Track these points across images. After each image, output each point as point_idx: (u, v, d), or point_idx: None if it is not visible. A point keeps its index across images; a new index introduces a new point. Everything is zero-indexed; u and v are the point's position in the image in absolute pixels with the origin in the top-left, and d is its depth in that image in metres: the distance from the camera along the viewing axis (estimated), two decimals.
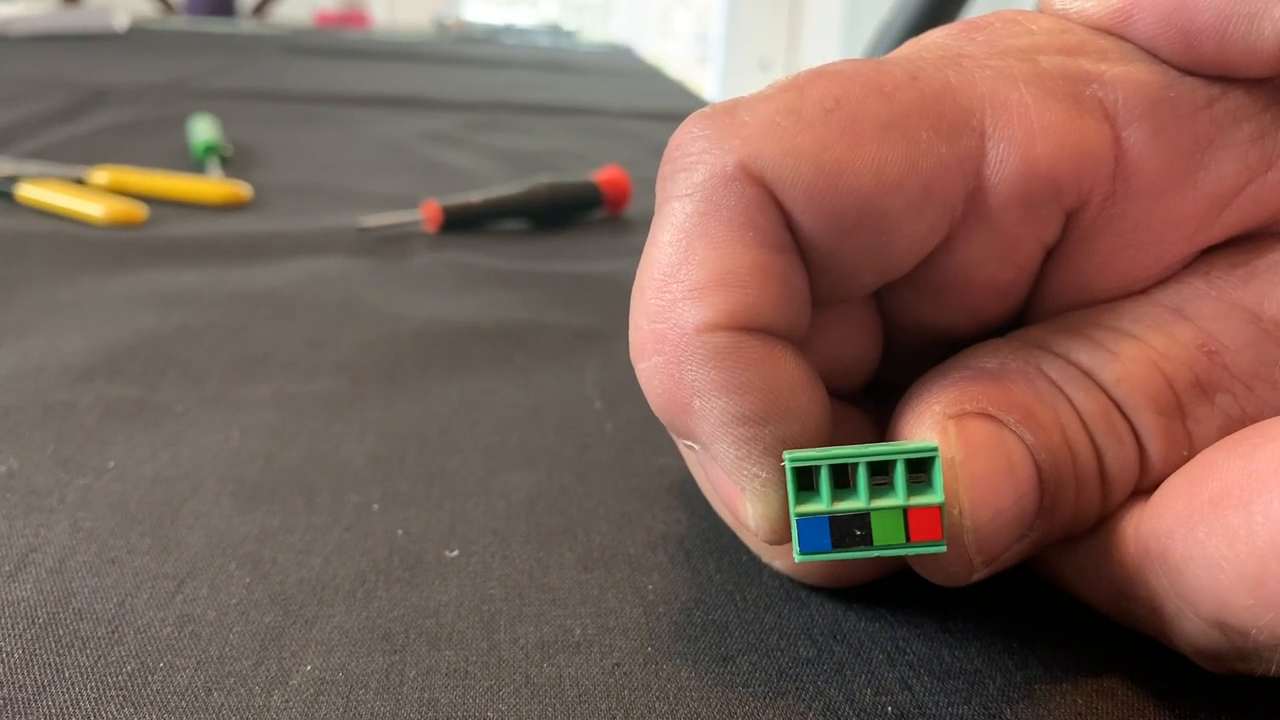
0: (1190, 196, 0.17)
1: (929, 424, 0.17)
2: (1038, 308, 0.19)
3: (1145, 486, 0.17)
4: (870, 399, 0.21)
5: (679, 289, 0.17)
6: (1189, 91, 0.17)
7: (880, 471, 0.16)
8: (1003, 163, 0.16)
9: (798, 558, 0.16)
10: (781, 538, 0.17)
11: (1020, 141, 0.16)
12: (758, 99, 0.17)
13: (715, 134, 0.17)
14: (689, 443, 0.17)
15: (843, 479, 0.16)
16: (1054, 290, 0.18)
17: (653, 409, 0.18)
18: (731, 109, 0.17)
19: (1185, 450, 0.17)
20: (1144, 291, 0.18)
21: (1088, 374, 0.17)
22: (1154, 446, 0.17)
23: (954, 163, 0.16)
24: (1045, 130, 0.16)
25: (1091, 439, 0.17)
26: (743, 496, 0.17)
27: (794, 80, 0.17)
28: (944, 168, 0.16)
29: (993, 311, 0.19)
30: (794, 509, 0.16)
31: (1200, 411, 0.17)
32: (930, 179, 0.16)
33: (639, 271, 0.18)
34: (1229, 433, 0.16)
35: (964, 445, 0.16)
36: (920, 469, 0.16)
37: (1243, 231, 0.17)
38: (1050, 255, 0.18)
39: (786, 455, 0.16)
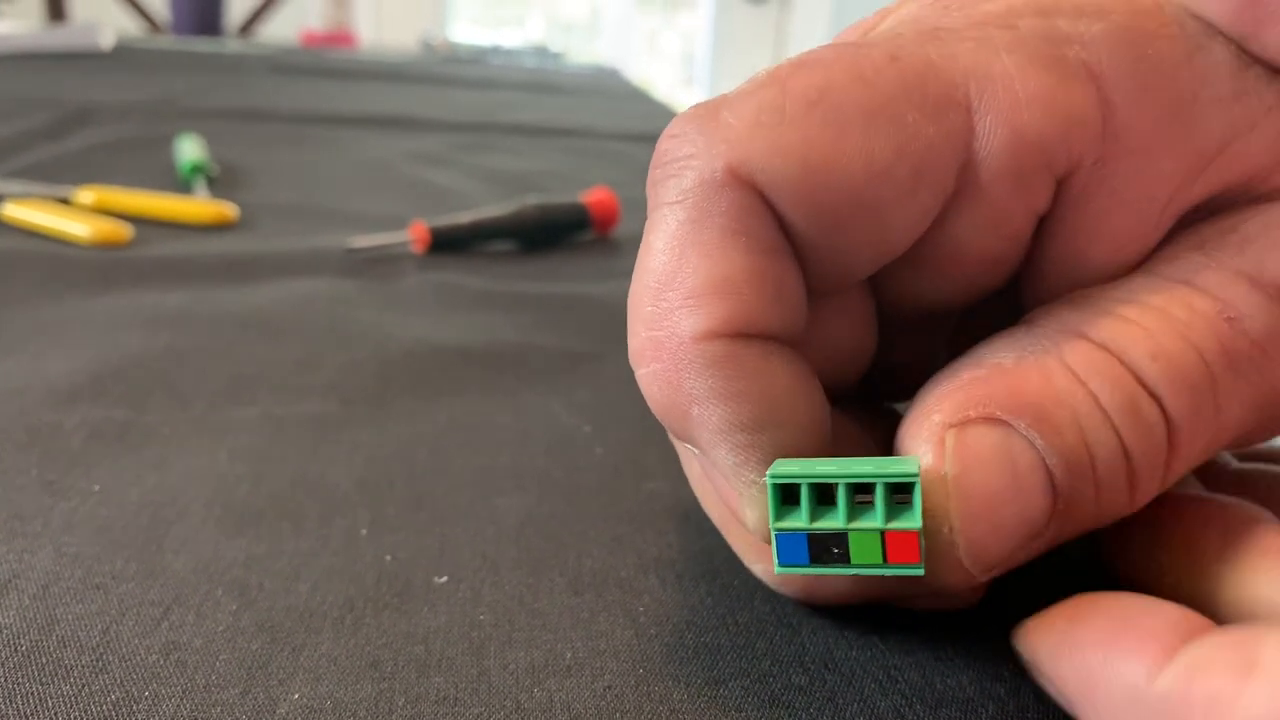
0: (1177, 153, 0.17)
1: (925, 436, 0.16)
2: (1034, 280, 0.19)
3: (1175, 467, 0.17)
4: (868, 409, 0.21)
5: (674, 297, 0.16)
6: (1166, 47, 0.17)
7: (865, 489, 0.16)
8: (991, 135, 0.16)
9: (776, 570, 0.16)
10: None
11: (1006, 112, 0.16)
12: (740, 97, 0.17)
13: (700, 137, 0.17)
14: (690, 446, 0.17)
15: (827, 494, 0.16)
16: (1048, 259, 0.18)
17: (653, 411, 0.18)
18: (715, 110, 0.17)
19: (1213, 425, 0.16)
20: (1144, 269, 0.18)
21: (1117, 356, 0.16)
22: (1184, 424, 0.16)
23: (942, 141, 0.16)
24: (1031, 98, 0.16)
25: (1118, 434, 0.16)
26: (741, 500, 0.17)
27: (775, 73, 0.17)
28: (933, 148, 0.16)
29: (985, 282, 0.19)
30: (773, 524, 0.16)
31: (1228, 382, 0.16)
32: (920, 162, 0.16)
33: (634, 277, 0.17)
34: (1254, 403, 0.16)
35: (959, 459, 0.16)
36: (904, 490, 0.16)
37: (1223, 188, 0.17)
38: (1043, 223, 0.18)
39: (770, 471, 0.16)
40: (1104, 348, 0.16)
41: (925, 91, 0.16)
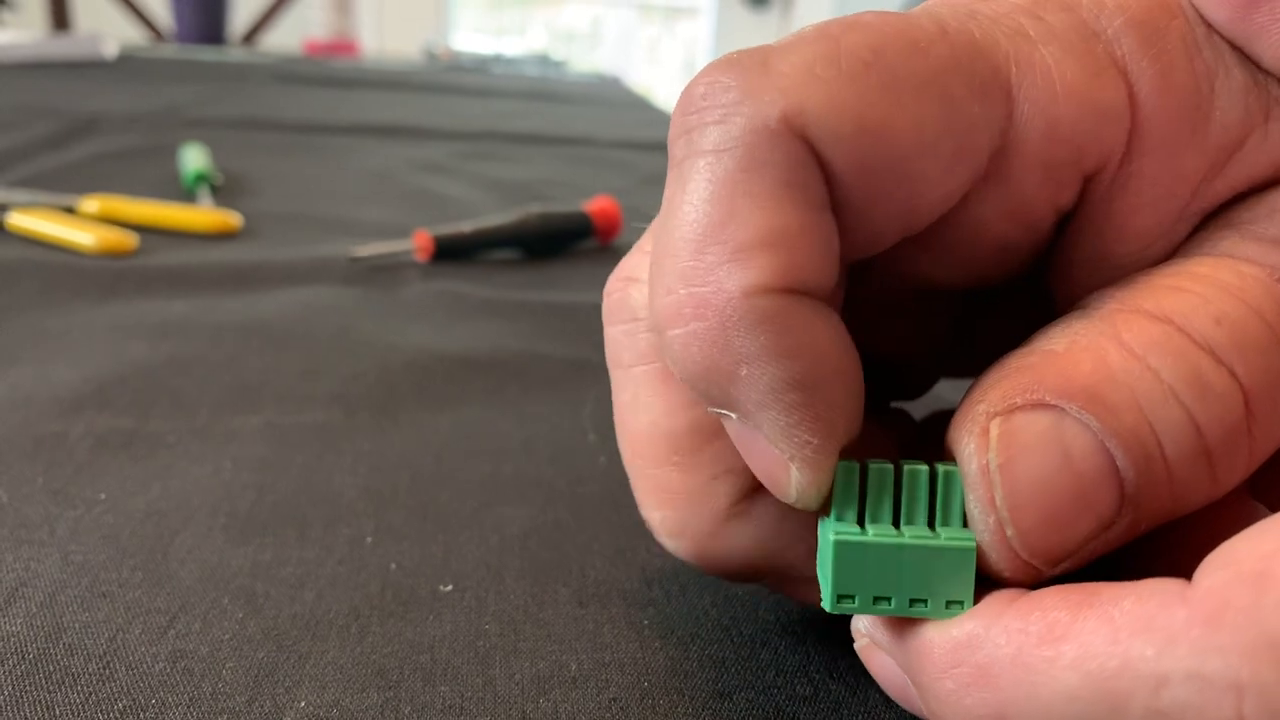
0: (1198, 149, 0.17)
1: (969, 427, 0.16)
2: (1062, 280, 0.18)
3: (1261, 439, 0.16)
4: (875, 409, 0.21)
5: (721, 251, 0.16)
6: (1179, 40, 0.17)
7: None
8: (1028, 124, 0.16)
9: (830, 609, 0.16)
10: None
11: (1044, 103, 0.16)
12: (791, 46, 0.16)
13: (748, 84, 0.16)
14: (725, 411, 0.17)
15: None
16: (1075, 261, 0.18)
17: (683, 377, 0.16)
18: (763, 57, 0.16)
19: None
20: (1179, 252, 0.17)
21: (1179, 326, 0.16)
22: (1259, 389, 0.15)
23: (984, 122, 0.16)
24: (1067, 91, 0.16)
25: (1185, 409, 0.15)
26: (788, 465, 0.16)
27: (825, 29, 0.16)
28: (975, 128, 0.16)
29: (995, 269, 0.18)
30: (832, 606, 0.16)
31: None
32: (963, 139, 0.16)
33: (660, 235, 0.16)
34: None
35: (1004, 447, 0.15)
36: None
37: (1247, 186, 0.17)
38: (1068, 223, 0.18)
39: (827, 600, 0.16)
40: (1164, 319, 0.16)
41: (974, 69, 0.16)
